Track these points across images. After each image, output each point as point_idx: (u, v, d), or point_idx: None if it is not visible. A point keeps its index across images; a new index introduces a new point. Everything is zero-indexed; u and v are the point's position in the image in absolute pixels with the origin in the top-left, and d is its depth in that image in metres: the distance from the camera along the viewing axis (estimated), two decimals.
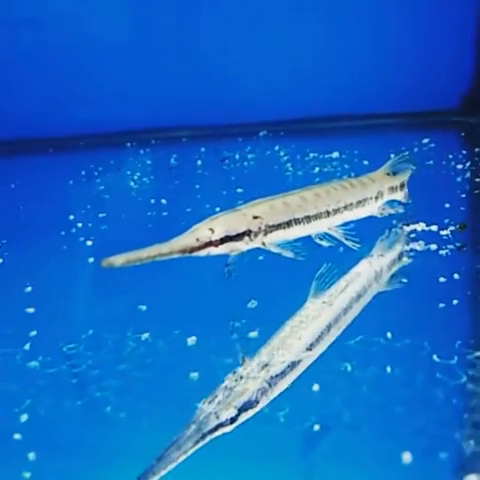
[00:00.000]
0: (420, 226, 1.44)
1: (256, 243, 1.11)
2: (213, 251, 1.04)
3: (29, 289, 1.30)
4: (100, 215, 1.78)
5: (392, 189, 1.38)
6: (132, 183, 2.16)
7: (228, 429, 0.80)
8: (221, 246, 1.05)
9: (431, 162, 1.99)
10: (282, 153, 2.35)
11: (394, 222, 1.46)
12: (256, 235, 1.09)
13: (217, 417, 0.79)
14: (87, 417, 0.90)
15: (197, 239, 1.01)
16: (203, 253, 1.03)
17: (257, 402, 0.83)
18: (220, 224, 1.05)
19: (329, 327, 0.99)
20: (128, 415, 0.82)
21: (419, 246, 1.35)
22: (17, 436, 0.86)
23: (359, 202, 1.29)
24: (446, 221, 1.47)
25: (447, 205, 1.59)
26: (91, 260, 1.43)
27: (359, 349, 1.02)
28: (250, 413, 0.83)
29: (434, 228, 1.44)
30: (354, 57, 2.62)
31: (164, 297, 1.21)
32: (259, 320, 1.08)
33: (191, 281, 1.28)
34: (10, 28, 2.67)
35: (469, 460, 0.78)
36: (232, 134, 2.71)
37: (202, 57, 2.67)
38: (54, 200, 2.04)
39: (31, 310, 1.21)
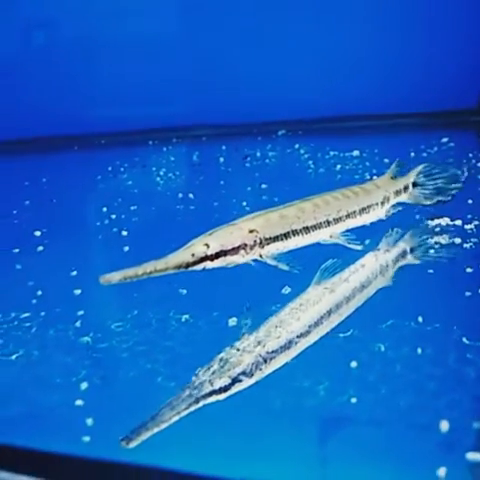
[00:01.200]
0: (444, 221, 1.49)
1: (253, 256, 1.15)
2: (209, 265, 1.09)
3: (74, 273, 1.37)
4: (131, 208, 1.84)
5: (398, 192, 1.41)
6: (158, 179, 2.21)
7: (221, 397, 0.86)
8: (217, 260, 1.09)
9: (451, 160, 2.03)
10: (302, 151, 2.38)
11: (417, 217, 1.51)
12: (252, 248, 1.13)
13: (211, 384, 0.85)
14: (141, 386, 0.97)
15: (193, 254, 1.06)
16: (199, 267, 1.08)
17: (251, 375, 0.89)
18: (215, 239, 1.10)
19: (329, 312, 1.02)
20: (178, 384, 0.88)
21: (444, 239, 1.39)
22: (79, 402, 0.92)
23: (363, 209, 1.32)
24: (469, 216, 1.52)
25: (470, 201, 1.63)
26: (126, 249, 1.50)
27: (391, 332, 1.07)
28: (243, 384, 0.88)
29: (458, 222, 1.48)
30: (372, 57, 2.65)
31: (202, 283, 1.27)
32: None
33: (227, 268, 1.34)
34: (36, 26, 2.73)
35: None
36: (251, 133, 2.75)
37: (222, 57, 2.71)
38: (85, 194, 2.09)
39: (78, 291, 1.27)
